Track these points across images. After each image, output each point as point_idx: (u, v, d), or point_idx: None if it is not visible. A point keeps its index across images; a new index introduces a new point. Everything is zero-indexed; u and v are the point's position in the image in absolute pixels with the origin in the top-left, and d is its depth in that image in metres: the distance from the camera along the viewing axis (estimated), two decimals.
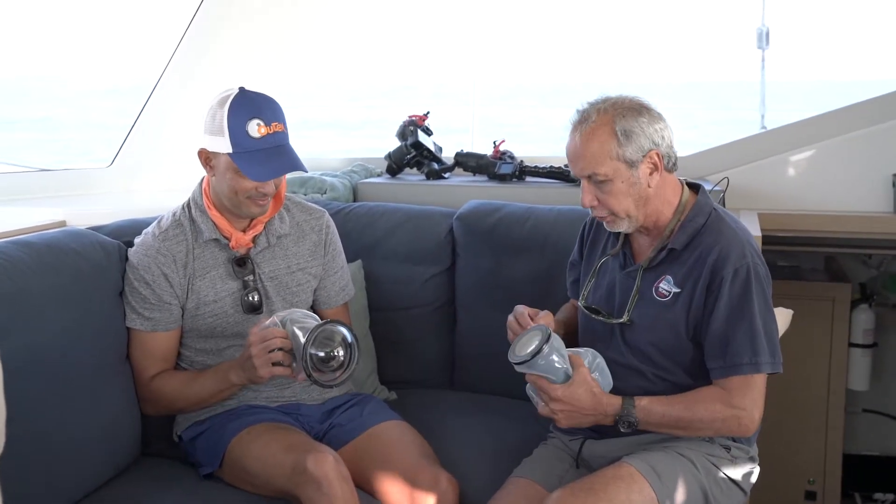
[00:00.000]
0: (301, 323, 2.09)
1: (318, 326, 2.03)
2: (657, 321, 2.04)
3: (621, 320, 2.07)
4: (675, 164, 2.05)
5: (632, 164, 1.98)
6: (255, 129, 2.13)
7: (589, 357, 2.02)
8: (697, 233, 2.03)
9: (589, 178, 2.01)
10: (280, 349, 2.06)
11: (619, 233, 2.15)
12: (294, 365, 2.08)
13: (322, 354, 2.04)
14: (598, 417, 1.99)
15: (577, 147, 2.01)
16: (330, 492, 1.96)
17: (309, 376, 2.03)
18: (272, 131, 2.15)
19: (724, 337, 1.97)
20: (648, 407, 1.98)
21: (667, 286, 2.04)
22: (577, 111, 2.04)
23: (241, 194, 2.19)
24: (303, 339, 2.02)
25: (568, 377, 1.96)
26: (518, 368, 1.97)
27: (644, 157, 1.99)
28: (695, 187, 2.12)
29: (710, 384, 2.01)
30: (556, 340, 1.98)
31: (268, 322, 2.12)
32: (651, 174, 2.00)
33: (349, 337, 2.07)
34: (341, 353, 2.06)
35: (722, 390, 1.98)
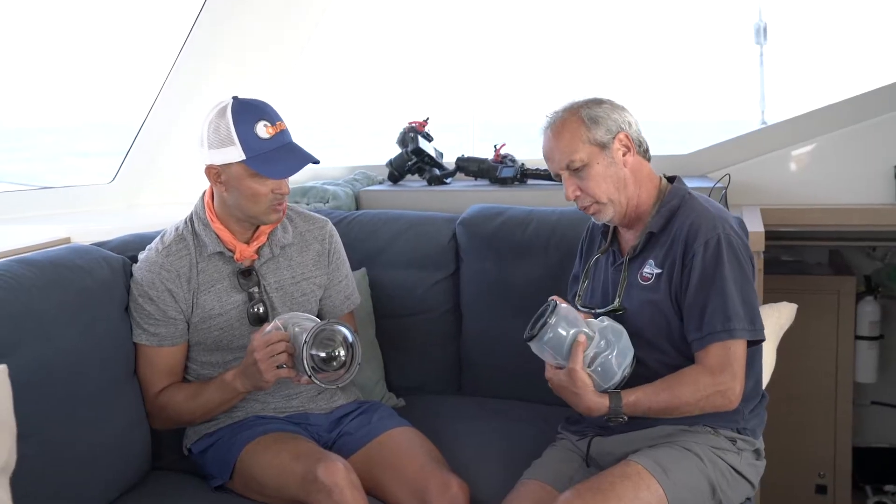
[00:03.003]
0: (303, 325, 2.09)
1: (317, 327, 2.04)
2: (644, 305, 2.07)
3: (613, 306, 2.10)
4: (646, 152, 2.14)
5: (604, 146, 2.07)
6: (264, 129, 2.15)
7: (596, 346, 1.99)
8: (673, 214, 2.08)
9: (567, 168, 2.09)
10: (283, 352, 2.07)
11: (608, 232, 2.20)
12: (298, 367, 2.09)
13: (323, 355, 2.05)
14: (584, 411, 2.02)
15: (551, 142, 2.11)
16: (341, 499, 1.97)
17: (309, 377, 2.04)
18: (279, 130, 2.17)
19: (699, 308, 1.99)
20: (636, 403, 2.00)
21: (649, 269, 2.08)
22: (546, 116, 2.14)
23: (262, 201, 2.19)
24: (313, 350, 2.04)
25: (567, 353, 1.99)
26: (532, 345, 2.00)
27: (614, 137, 2.07)
28: (671, 179, 2.18)
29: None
30: (567, 319, 1.97)
31: (269, 327, 2.12)
32: (625, 155, 2.08)
33: (350, 336, 2.08)
34: (342, 352, 2.07)
35: (702, 368, 1.99)
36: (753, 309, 2.01)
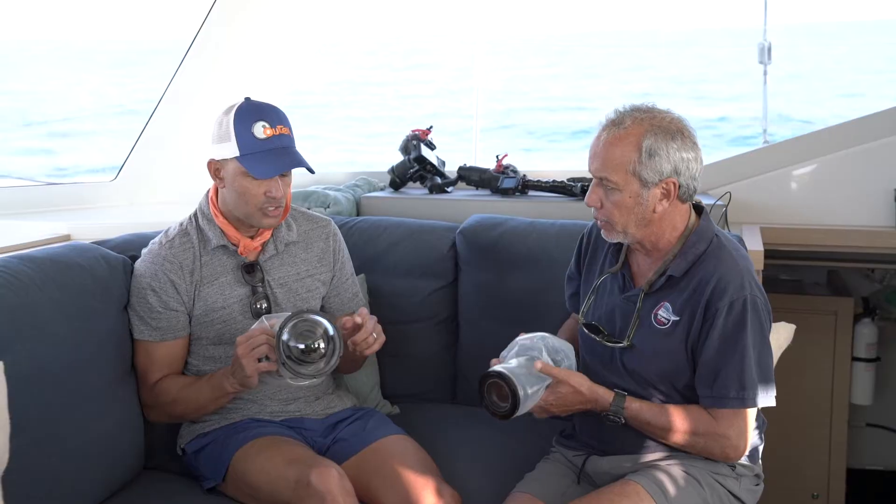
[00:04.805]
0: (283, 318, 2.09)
1: (292, 314, 2.04)
2: (656, 348, 2.02)
3: (622, 344, 2.05)
4: (691, 196, 2.02)
5: (645, 184, 1.95)
6: (261, 130, 2.17)
7: (544, 352, 2.00)
8: (697, 260, 2.00)
9: (601, 180, 1.99)
10: (264, 345, 2.07)
11: (619, 251, 2.14)
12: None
13: (302, 346, 2.04)
14: (588, 407, 2.01)
15: (600, 147, 1.98)
16: None
17: (283, 365, 2.03)
18: (277, 133, 2.20)
19: (714, 367, 1.96)
20: (637, 413, 1.99)
21: (665, 314, 2.02)
22: (615, 111, 2.00)
23: (253, 202, 2.20)
24: (285, 335, 2.03)
25: (547, 384, 1.98)
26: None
27: (660, 181, 1.95)
28: (698, 209, 2.09)
29: None
30: (515, 374, 1.93)
31: (255, 325, 2.13)
32: (661, 200, 1.97)
33: (331, 329, 2.07)
34: (322, 345, 2.04)
35: (710, 418, 1.98)
36: (769, 376, 1.99)
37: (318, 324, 2.06)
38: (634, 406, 1.99)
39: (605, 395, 2.00)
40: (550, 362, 2.00)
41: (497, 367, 1.94)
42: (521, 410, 1.93)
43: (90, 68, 32.55)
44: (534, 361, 1.96)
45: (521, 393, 1.90)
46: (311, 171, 2.26)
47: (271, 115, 2.21)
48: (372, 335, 2.14)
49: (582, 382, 1.99)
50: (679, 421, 1.98)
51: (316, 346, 2.04)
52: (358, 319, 2.13)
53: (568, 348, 2.06)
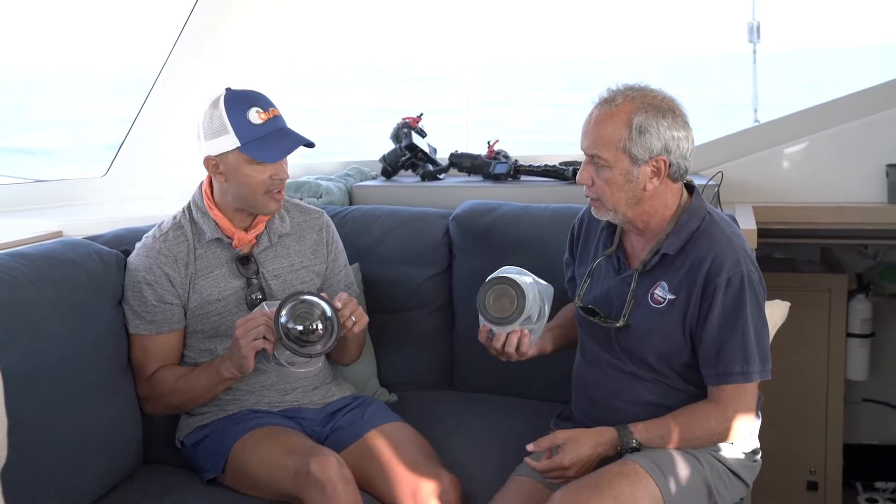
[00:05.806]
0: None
1: (292, 295, 2.06)
2: (653, 327, 2.03)
3: (618, 324, 2.06)
4: (683, 175, 2.03)
5: (635, 161, 1.96)
6: (256, 115, 2.18)
7: (534, 308, 2.09)
8: (691, 238, 2.02)
9: (592, 157, 2.00)
10: (262, 325, 2.08)
11: (613, 234, 2.15)
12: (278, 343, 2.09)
13: (300, 328, 2.06)
14: (601, 443, 2.01)
15: (591, 124, 2.00)
16: (333, 494, 1.98)
17: (279, 340, 2.04)
18: (271, 116, 2.20)
19: (717, 345, 1.97)
20: (645, 432, 2.01)
21: (661, 293, 2.03)
22: (608, 89, 2.01)
23: (260, 189, 2.21)
24: (283, 317, 2.04)
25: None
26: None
27: (650, 158, 1.96)
28: (690, 189, 2.10)
29: (704, 390, 2.03)
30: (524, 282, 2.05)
31: (255, 310, 2.14)
32: (651, 178, 1.98)
33: (329, 311, 2.08)
34: (320, 326, 2.07)
35: (715, 405, 2.00)
36: (766, 350, 2.00)
37: (316, 305, 2.08)
38: (639, 427, 2.01)
39: (610, 433, 2.02)
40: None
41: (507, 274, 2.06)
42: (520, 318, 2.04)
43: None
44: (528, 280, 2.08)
45: (528, 294, 2.02)
46: (312, 145, 2.26)
47: (260, 99, 2.22)
48: (350, 318, 2.14)
49: (594, 436, 2.02)
50: (689, 425, 2.00)
51: (314, 327, 2.07)
52: (338, 304, 2.14)
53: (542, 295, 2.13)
